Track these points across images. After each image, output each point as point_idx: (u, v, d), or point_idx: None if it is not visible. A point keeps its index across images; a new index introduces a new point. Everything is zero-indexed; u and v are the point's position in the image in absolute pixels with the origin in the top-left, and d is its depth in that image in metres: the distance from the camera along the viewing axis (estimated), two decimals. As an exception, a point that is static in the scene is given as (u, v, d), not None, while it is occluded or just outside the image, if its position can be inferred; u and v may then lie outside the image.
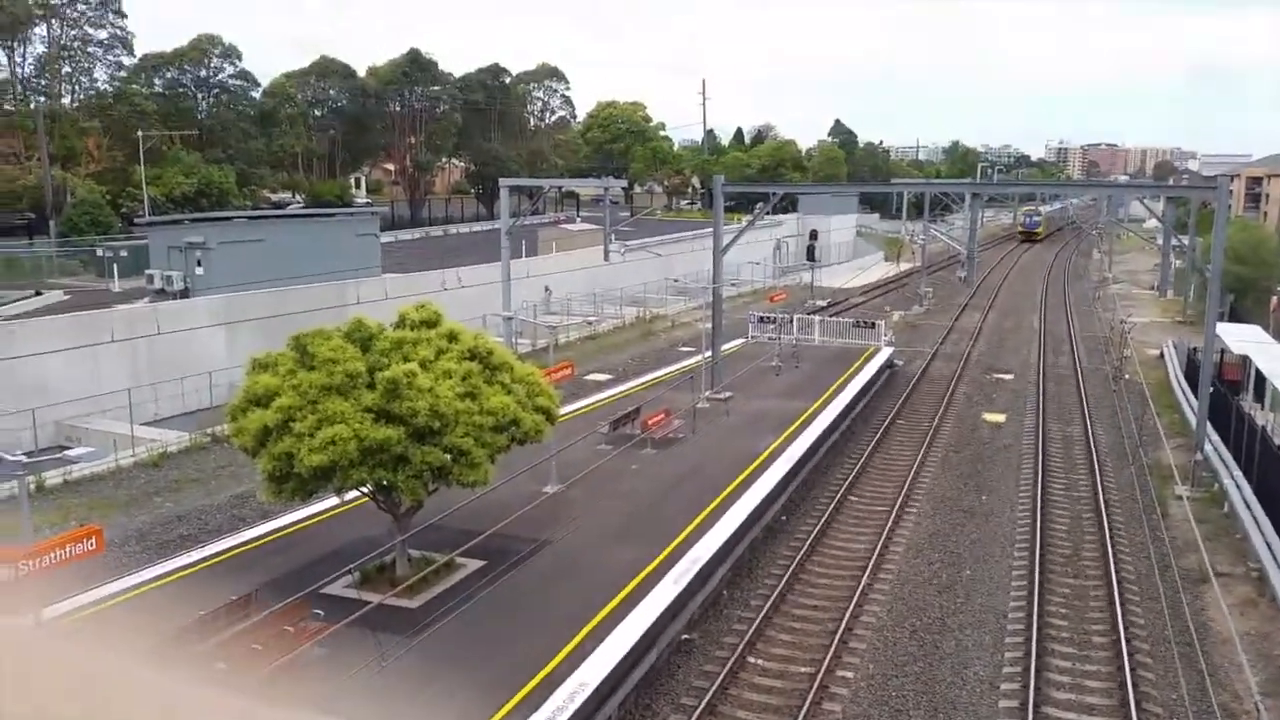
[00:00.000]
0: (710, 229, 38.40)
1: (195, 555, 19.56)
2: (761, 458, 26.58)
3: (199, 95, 79.76)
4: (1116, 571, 21.66)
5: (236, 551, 19.77)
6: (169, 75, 77.80)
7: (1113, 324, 53.94)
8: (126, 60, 74.20)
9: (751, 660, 17.71)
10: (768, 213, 51.50)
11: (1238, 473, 26.70)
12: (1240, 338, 36.92)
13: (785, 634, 18.81)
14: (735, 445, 27.86)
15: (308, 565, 18.44)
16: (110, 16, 71.42)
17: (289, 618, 15.01)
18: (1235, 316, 47.71)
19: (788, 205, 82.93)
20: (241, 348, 28.75)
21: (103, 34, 71.96)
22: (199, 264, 39.88)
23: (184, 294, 38.82)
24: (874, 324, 45.49)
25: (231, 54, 79.57)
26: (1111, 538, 23.70)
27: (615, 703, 15.12)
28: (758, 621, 18.88)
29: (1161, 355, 46.33)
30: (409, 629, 15.81)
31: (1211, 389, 30.31)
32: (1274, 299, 55.55)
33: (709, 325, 36.36)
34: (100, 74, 73.45)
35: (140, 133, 64.15)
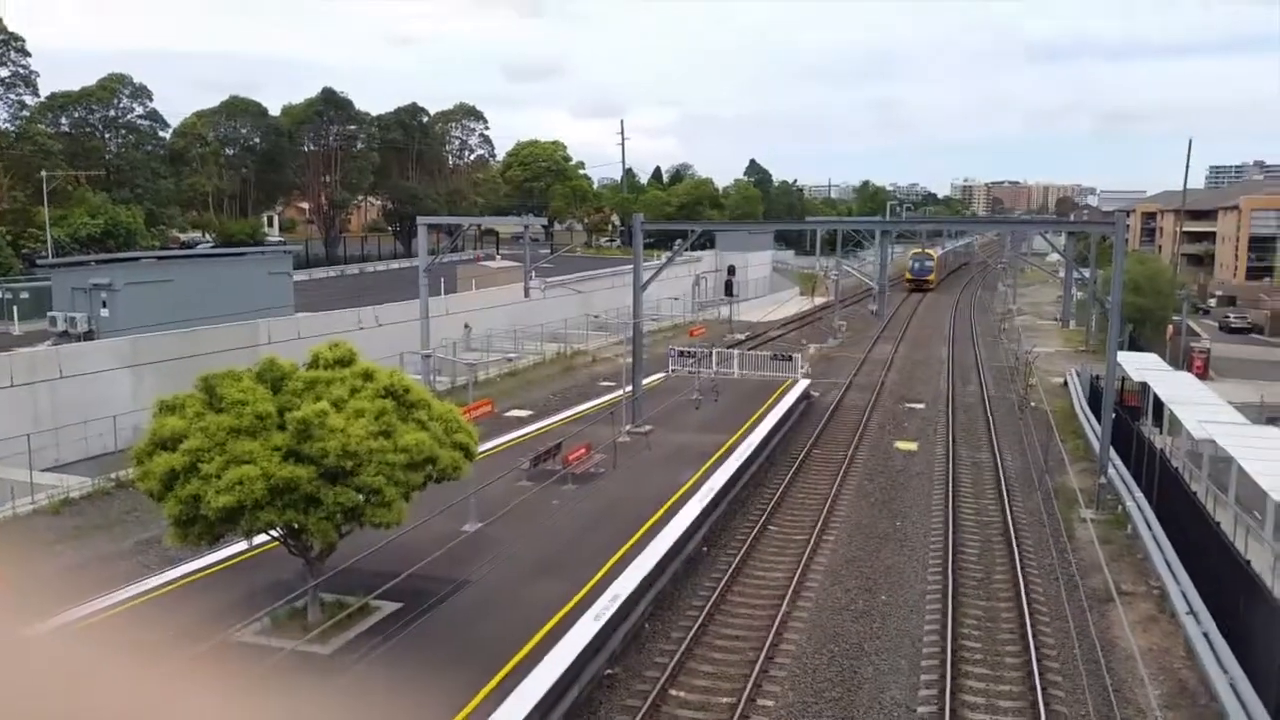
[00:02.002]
0: (630, 265, 38.73)
1: (97, 604, 18.84)
2: (682, 490, 26.72)
3: (106, 135, 77.96)
4: (1026, 593, 22.24)
5: (142, 599, 19.12)
6: (76, 114, 75.97)
7: (1018, 354, 55.66)
8: (30, 99, 72.33)
9: (673, 692, 17.71)
10: (686, 249, 52.15)
11: (1139, 495, 27.69)
12: (1140, 365, 38.49)
13: (707, 665, 18.86)
14: (656, 479, 27.96)
15: (217, 611, 17.92)
16: (12, 55, 69.59)
17: (198, 665, 14.56)
18: (1135, 345, 49.63)
19: (706, 242, 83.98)
20: (149, 390, 27.98)
21: (4, 72, 70.06)
22: (104, 305, 38.82)
23: (89, 336, 37.69)
24: (791, 357, 46.20)
25: (141, 94, 78.08)
26: (1021, 560, 24.35)
27: (536, 741, 14.98)
28: (679, 654, 18.90)
29: (1065, 383, 47.92)
30: (323, 675, 15.46)
31: (1114, 415, 31.45)
32: (1170, 328, 58.03)
33: (629, 360, 36.56)
34: (1, 113, 71.45)
35: (44, 173, 62.37)
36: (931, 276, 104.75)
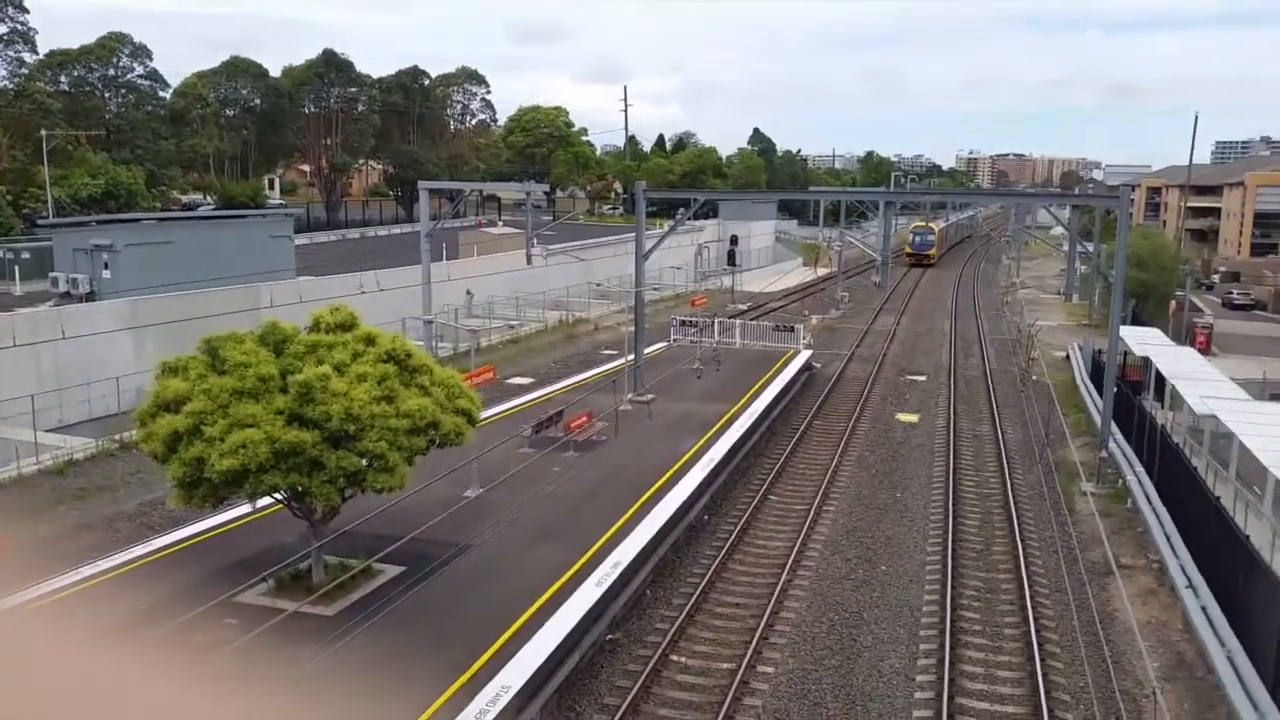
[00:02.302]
0: (633, 234, 38.55)
1: (103, 564, 18.94)
2: (684, 459, 26.76)
3: (106, 94, 77.31)
4: (1026, 565, 22.34)
5: (146, 560, 19.20)
6: (75, 74, 75.26)
7: (1020, 327, 55.59)
8: (29, 57, 71.68)
9: (674, 658, 17.83)
10: (689, 218, 51.91)
11: (1140, 469, 27.72)
12: (1142, 340, 38.41)
13: (707, 631, 18.98)
14: (658, 447, 28.00)
15: (221, 573, 18.01)
16: (10, 10, 68.89)
17: (201, 626, 14.64)
18: (1137, 320, 49.54)
19: (709, 211, 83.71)
20: (150, 352, 28.01)
21: (2, 29, 69.38)
22: (106, 266, 38.67)
23: (90, 297, 37.59)
24: (793, 328, 46.14)
25: (141, 53, 77.34)
26: (1021, 533, 24.44)
27: (538, 705, 15.08)
28: (680, 620, 19.02)
29: (1067, 357, 47.88)
30: (325, 636, 15.54)
31: (1115, 389, 31.43)
32: (1173, 303, 57.92)
33: (631, 329, 36.49)
34: (0, 70, 70.83)
35: (44, 131, 61.92)
36: (932, 251, 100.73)
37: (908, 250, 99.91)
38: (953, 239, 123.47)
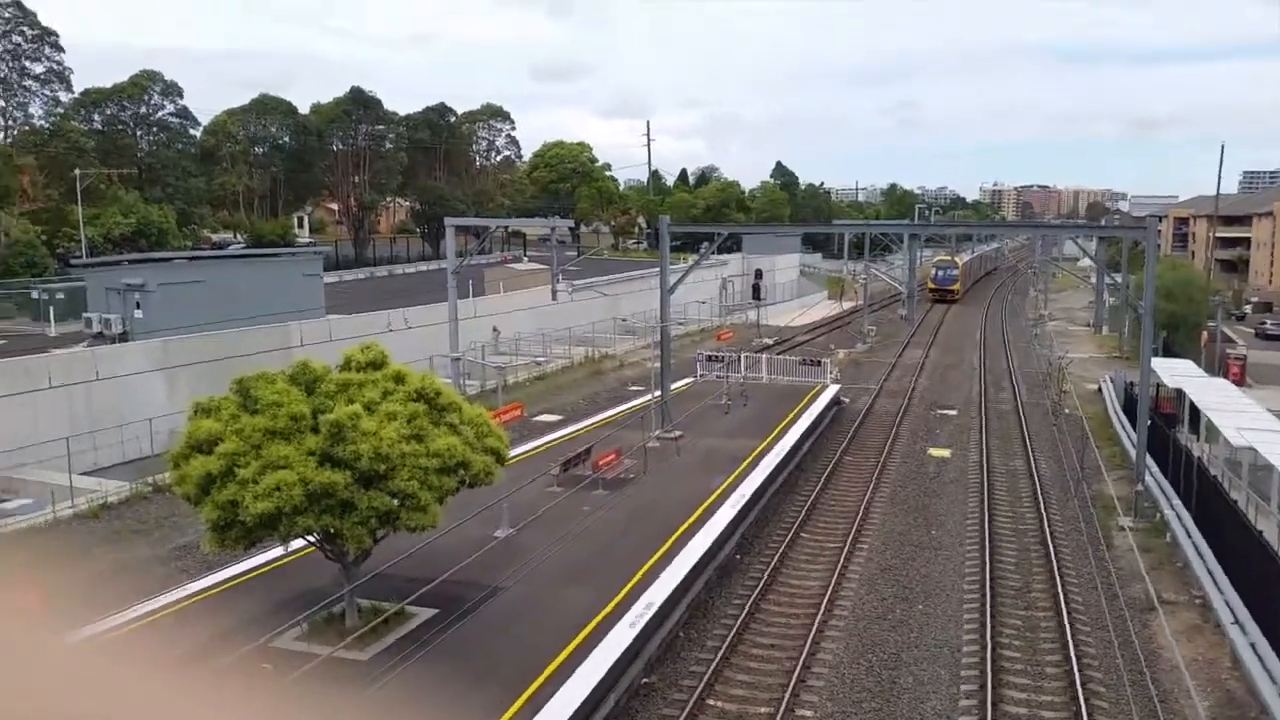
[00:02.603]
0: (657, 268, 38.60)
1: (138, 610, 18.92)
2: (714, 496, 26.57)
3: (138, 132, 78.65)
4: (1066, 602, 21.93)
5: (181, 605, 19.19)
6: (108, 112, 76.67)
7: (1051, 360, 55.06)
8: (64, 96, 73.09)
9: (710, 702, 17.56)
10: (713, 252, 51.96)
11: (1177, 502, 27.26)
12: (1174, 372, 37.93)
13: (743, 674, 18.70)
14: (687, 484, 27.82)
15: (255, 617, 17.94)
16: (47, 50, 70.34)
17: (236, 671, 14.56)
18: (1168, 351, 48.98)
19: (733, 245, 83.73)
20: (183, 393, 28.18)
21: (39, 68, 70.81)
22: (138, 306, 39.08)
23: (123, 337, 37.97)
24: (820, 362, 45.92)
25: (172, 91, 78.73)
26: (1059, 569, 24.02)
27: (573, 750, 14.88)
28: (715, 662, 18.76)
29: (1099, 390, 47.34)
30: (360, 681, 15.42)
31: (1149, 422, 31.01)
32: (1204, 334, 57.26)
33: (657, 364, 36.41)
34: (36, 109, 72.20)
35: (78, 170, 62.98)
36: (956, 286, 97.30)
37: (930, 285, 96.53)
38: (977, 273, 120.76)
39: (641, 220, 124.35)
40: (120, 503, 27.66)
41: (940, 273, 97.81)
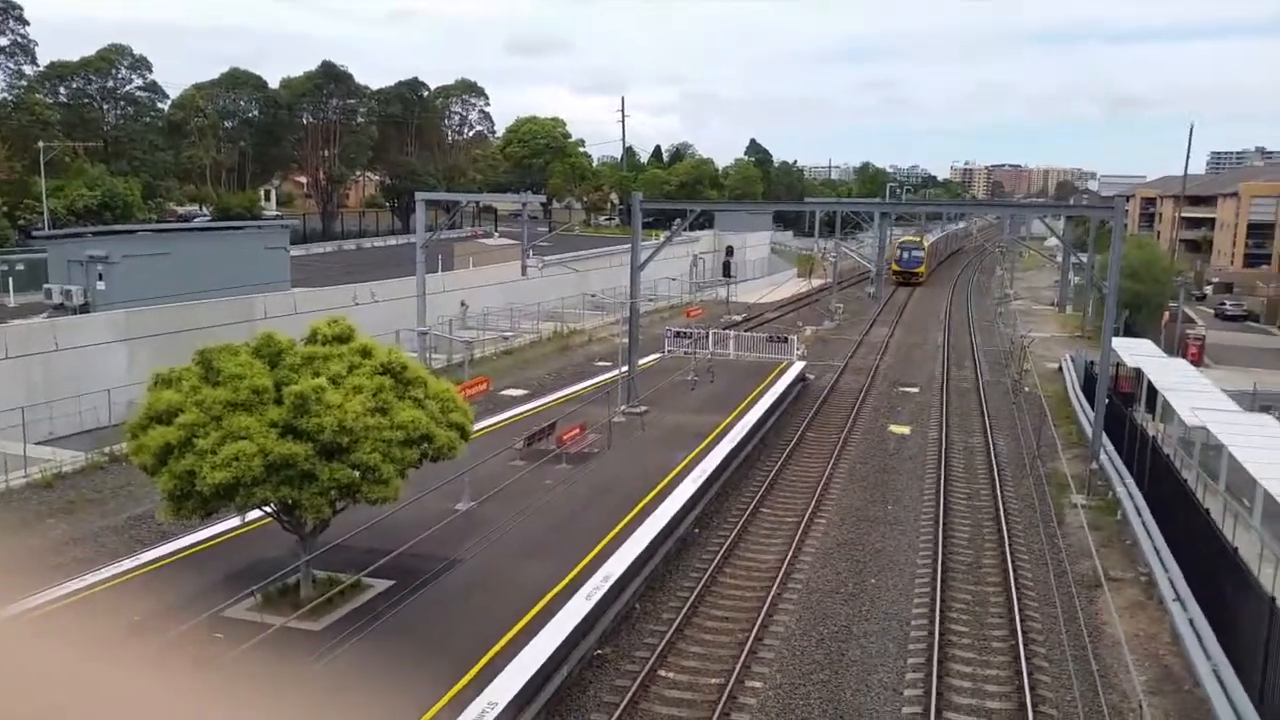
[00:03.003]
0: (628, 245, 38.66)
1: (90, 579, 18.95)
2: (676, 471, 26.82)
3: (105, 106, 77.57)
4: (1015, 578, 22.38)
5: (135, 574, 19.22)
6: (74, 85, 75.55)
7: (1013, 339, 55.70)
8: (28, 69, 71.96)
9: (662, 673, 17.84)
10: (685, 229, 52.04)
11: (1130, 481, 27.81)
12: (1134, 352, 38.52)
13: (696, 645, 19.00)
14: (650, 459, 28.05)
15: (209, 587, 18.03)
16: (11, 23, 69.18)
17: (188, 641, 14.66)
18: (1130, 331, 49.63)
19: (705, 222, 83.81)
20: (144, 364, 27.99)
21: (3, 40, 69.64)
22: (100, 278, 38.71)
23: (84, 309, 37.63)
24: (787, 339, 46.24)
25: (141, 65, 77.67)
26: (1011, 545, 24.49)
27: None
28: (669, 634, 19.04)
29: (1060, 369, 47.99)
30: (312, 652, 15.55)
31: (1107, 401, 31.52)
32: (1166, 314, 58.04)
33: (626, 340, 36.57)
34: (0, 81, 71.10)
35: (41, 143, 62.08)
36: (921, 269, 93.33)
37: (893, 267, 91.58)
38: (944, 253, 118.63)
39: (614, 197, 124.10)
40: (75, 472, 27.54)
41: (905, 254, 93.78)
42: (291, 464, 15.98)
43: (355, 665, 15.23)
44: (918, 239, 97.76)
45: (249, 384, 16.34)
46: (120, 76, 77.29)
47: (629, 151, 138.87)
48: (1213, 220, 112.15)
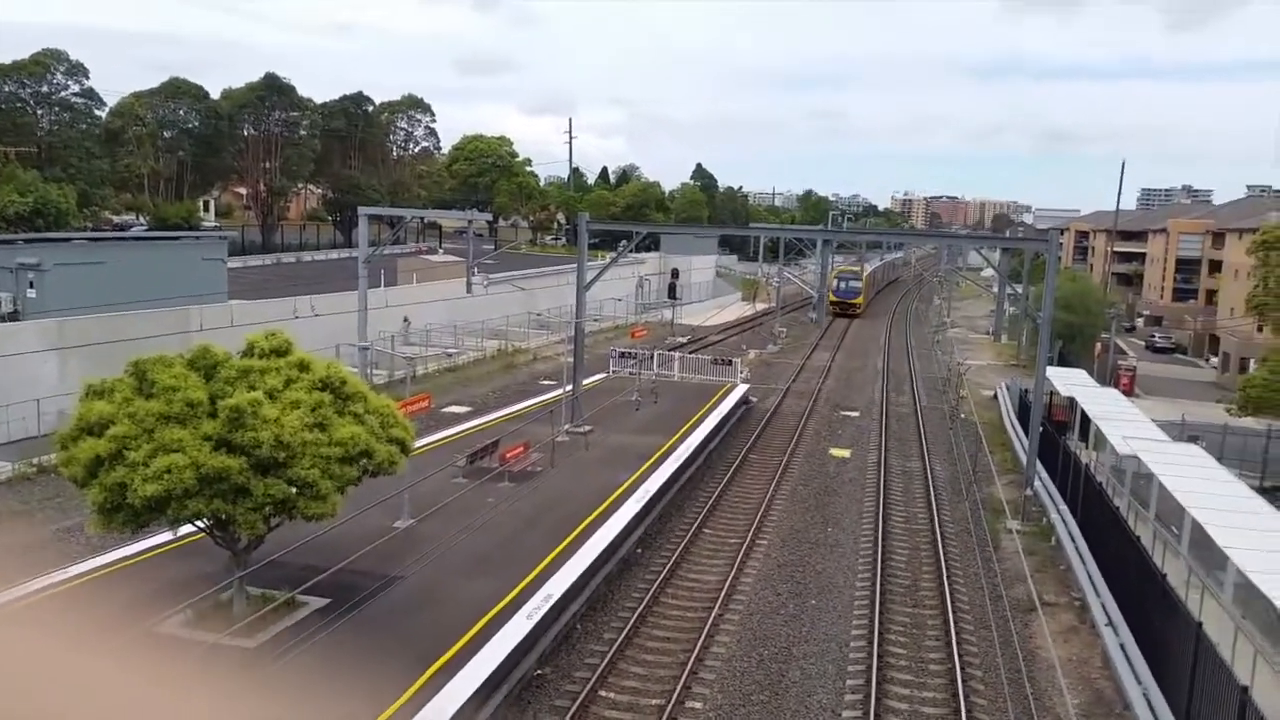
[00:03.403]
0: (574, 264, 38.66)
1: (16, 592, 18.29)
2: (619, 491, 26.76)
3: (39, 111, 75.69)
4: (952, 601, 22.66)
5: (62, 588, 18.60)
6: (6, 89, 73.67)
7: (950, 366, 56.68)
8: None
9: (603, 694, 17.72)
10: (631, 251, 52.13)
11: (1064, 508, 28.35)
12: (1068, 381, 39.37)
13: (637, 666, 18.91)
14: (594, 479, 27.96)
15: (139, 602, 17.51)
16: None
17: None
18: (1064, 361, 50.79)
19: (651, 244, 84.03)
20: (75, 374, 27.24)
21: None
22: (31, 286, 37.70)
23: (14, 316, 36.59)
24: (731, 361, 46.54)
25: (77, 71, 75.94)
26: (948, 569, 24.80)
27: (463, 740, 14.89)
28: (610, 654, 18.93)
29: (995, 396, 48.89)
30: (245, 669, 15.18)
31: (1041, 429, 32.15)
32: (1098, 345, 59.55)
33: (571, 359, 36.48)
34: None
35: (-31, 147, 60.42)
36: (859, 300, 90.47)
37: (831, 298, 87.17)
38: (882, 282, 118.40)
39: (561, 216, 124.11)
40: (2, 483, 26.69)
41: (842, 284, 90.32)
42: (225, 478, 15.64)
43: (289, 683, 14.90)
44: (856, 268, 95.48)
45: (183, 396, 15.99)
46: (55, 82, 75.54)
47: (576, 172, 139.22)
48: (1143, 255, 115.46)
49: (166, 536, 18.80)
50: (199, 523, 16.65)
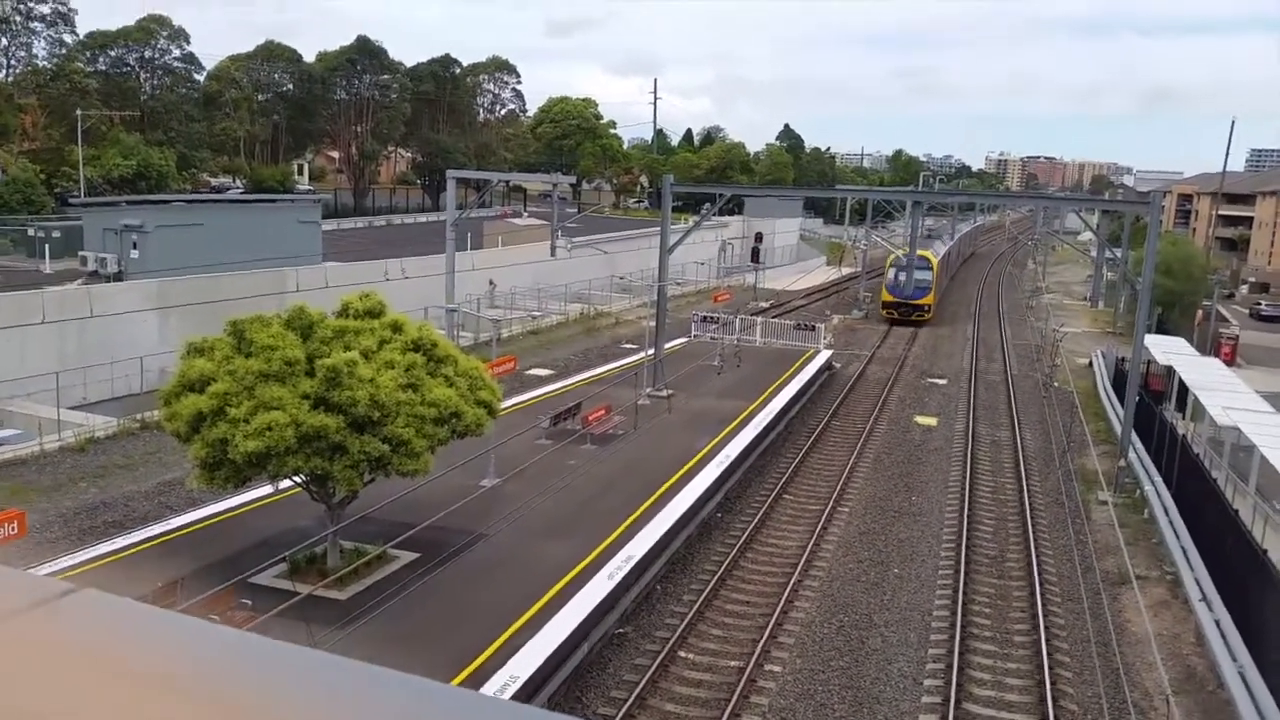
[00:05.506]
0: (657, 228, 38.61)
1: (121, 542, 19.22)
2: (700, 455, 26.82)
3: (142, 76, 78.09)
4: (1039, 572, 22.27)
5: (164, 539, 19.47)
6: (113, 54, 76.13)
7: (1044, 333, 55.22)
8: (68, 37, 72.58)
9: (682, 654, 17.91)
10: (714, 214, 51.85)
11: (1158, 479, 27.57)
12: (1166, 349, 38.13)
13: (716, 628, 19.05)
14: (674, 442, 28.06)
15: (237, 554, 18.22)
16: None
17: (216, 606, 14.87)
18: (1163, 329, 49.12)
19: (734, 207, 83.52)
20: (176, 333, 28.26)
21: (45, 8, 70.28)
22: (135, 247, 39.10)
23: (118, 277, 38.04)
24: (814, 327, 46.08)
25: (179, 36, 78.12)
26: (1035, 540, 24.36)
27: (545, 696, 15.21)
28: (690, 616, 19.11)
29: (1090, 364, 47.56)
30: (337, 620, 15.72)
31: (1137, 398, 31.22)
32: (1199, 313, 57.36)
33: (652, 323, 36.54)
34: (40, 49, 71.73)
35: (79, 111, 62.64)
36: (928, 299, 61.04)
37: (885, 296, 61.64)
38: (955, 264, 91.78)
39: (644, 179, 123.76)
40: (107, 438, 27.90)
41: (899, 276, 60.65)
42: (323, 436, 16.11)
43: (379, 634, 15.40)
44: (922, 254, 62.54)
45: (281, 355, 16.47)
46: (159, 47, 77.77)
47: (660, 134, 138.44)
48: (1250, 219, 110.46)
49: (262, 492, 19.47)
50: (297, 478, 17.20)
